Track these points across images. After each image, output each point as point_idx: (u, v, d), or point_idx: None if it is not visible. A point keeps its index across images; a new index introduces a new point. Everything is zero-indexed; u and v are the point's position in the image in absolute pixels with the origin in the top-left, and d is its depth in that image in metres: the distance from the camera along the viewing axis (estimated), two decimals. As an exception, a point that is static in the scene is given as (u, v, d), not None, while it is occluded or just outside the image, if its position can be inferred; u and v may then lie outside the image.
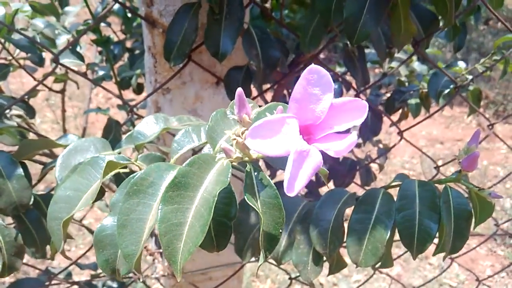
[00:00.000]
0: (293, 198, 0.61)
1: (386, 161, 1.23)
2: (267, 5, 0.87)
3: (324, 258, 0.51)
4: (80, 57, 0.75)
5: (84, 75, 0.77)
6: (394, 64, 1.16)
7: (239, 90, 0.28)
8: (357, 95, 0.73)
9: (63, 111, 1.09)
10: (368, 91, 1.01)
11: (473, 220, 0.42)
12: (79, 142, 0.48)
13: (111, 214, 0.34)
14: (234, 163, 0.30)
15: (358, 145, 1.07)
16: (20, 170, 0.52)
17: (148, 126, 0.46)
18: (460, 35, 0.84)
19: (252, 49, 0.59)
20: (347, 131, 0.27)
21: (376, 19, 0.47)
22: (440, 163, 3.53)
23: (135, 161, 0.42)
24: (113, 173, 0.40)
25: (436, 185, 0.45)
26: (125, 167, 0.45)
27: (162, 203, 0.27)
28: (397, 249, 1.96)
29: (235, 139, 0.29)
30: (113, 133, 0.68)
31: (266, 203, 0.29)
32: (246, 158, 0.30)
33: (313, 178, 1.14)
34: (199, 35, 0.60)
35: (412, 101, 1.04)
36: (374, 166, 1.22)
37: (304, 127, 0.28)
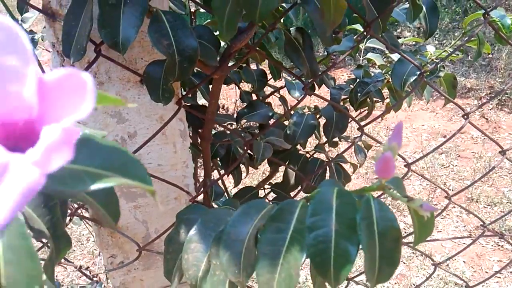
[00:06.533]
0: (219, 211, 0.52)
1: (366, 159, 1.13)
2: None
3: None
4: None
5: None
6: (370, 55, 1.06)
7: None
8: (305, 89, 0.64)
9: None
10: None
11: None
12: None
13: None
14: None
15: (332, 145, 0.97)
16: None
17: None
18: (430, 17, 0.74)
19: (162, 39, 0.50)
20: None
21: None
22: (443, 157, 3.41)
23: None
24: None
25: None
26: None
27: None
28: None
29: None
30: None
31: (11, 247, 0.20)
32: None
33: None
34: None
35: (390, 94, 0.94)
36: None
37: (20, 125, 0.18)
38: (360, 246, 0.32)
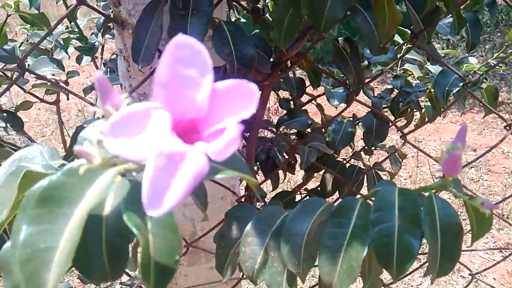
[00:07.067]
0: (272, 208, 0.55)
1: (416, 169, 1.14)
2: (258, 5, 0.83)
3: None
4: (60, 66, 0.72)
5: (65, 83, 0.74)
6: (407, 66, 1.08)
7: (98, 73, 0.23)
8: (350, 96, 0.67)
9: (60, 122, 1.07)
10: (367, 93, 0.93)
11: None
12: (25, 151, 0.43)
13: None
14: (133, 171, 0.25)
15: (366, 153, 0.99)
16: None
17: (95, 130, 0.42)
18: (473, 30, 0.76)
19: (224, 47, 0.54)
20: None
21: (344, 3, 0.41)
22: (473, 171, 3.35)
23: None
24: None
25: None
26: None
27: (26, 223, 0.22)
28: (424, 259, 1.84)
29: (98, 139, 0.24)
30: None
31: (158, 222, 0.23)
32: (129, 165, 0.24)
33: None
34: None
35: (428, 103, 0.96)
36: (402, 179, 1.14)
37: (187, 123, 0.22)
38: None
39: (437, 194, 0.41)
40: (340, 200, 0.42)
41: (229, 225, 0.59)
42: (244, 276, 0.82)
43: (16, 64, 0.76)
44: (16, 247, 0.26)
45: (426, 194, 0.36)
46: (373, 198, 0.42)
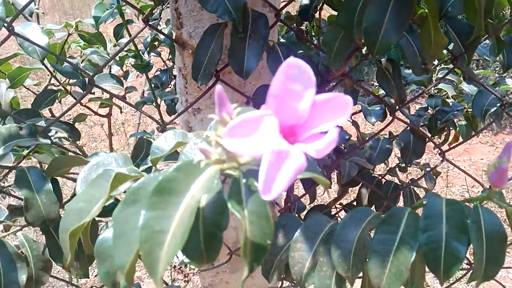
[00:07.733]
0: (319, 217, 0.58)
1: (445, 189, 1.15)
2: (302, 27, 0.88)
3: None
4: (119, 82, 0.78)
5: (123, 98, 0.80)
6: (442, 85, 1.11)
7: (219, 87, 0.28)
8: (392, 114, 0.70)
9: (110, 134, 1.14)
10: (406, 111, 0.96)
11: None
12: (101, 158, 0.49)
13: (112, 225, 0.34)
14: (229, 170, 0.29)
15: (401, 169, 1.02)
16: (49, 185, 0.54)
17: (166, 141, 0.46)
18: (509, 52, 0.78)
19: (277, 67, 0.58)
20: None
21: (398, 28, 0.45)
22: (503, 192, 3.29)
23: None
24: (126, 185, 0.41)
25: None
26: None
27: (145, 209, 0.26)
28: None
29: (215, 140, 0.28)
30: (143, 152, 0.70)
31: (254, 212, 0.27)
32: (232, 163, 0.29)
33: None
34: (225, 54, 0.60)
35: (462, 122, 0.98)
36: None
37: (288, 127, 0.26)
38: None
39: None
40: (389, 210, 0.45)
41: (275, 233, 0.63)
42: (284, 284, 0.85)
43: (77, 80, 0.83)
44: (119, 236, 0.31)
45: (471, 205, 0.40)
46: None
